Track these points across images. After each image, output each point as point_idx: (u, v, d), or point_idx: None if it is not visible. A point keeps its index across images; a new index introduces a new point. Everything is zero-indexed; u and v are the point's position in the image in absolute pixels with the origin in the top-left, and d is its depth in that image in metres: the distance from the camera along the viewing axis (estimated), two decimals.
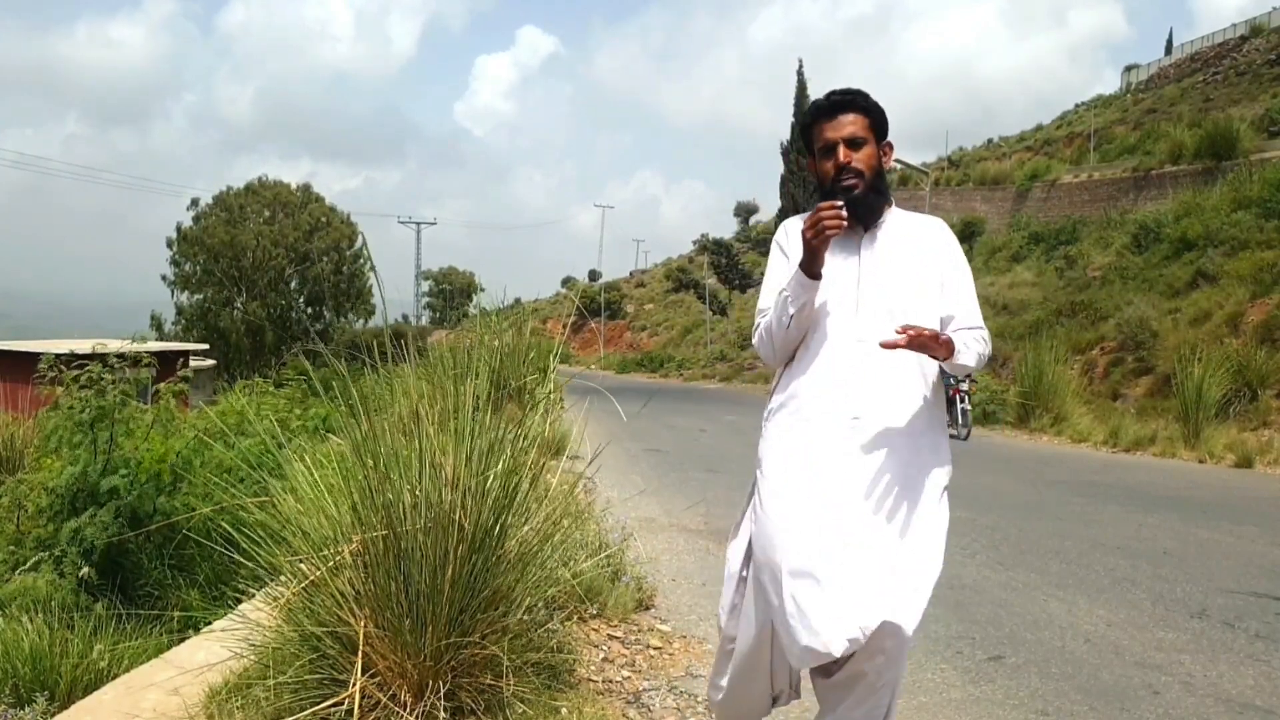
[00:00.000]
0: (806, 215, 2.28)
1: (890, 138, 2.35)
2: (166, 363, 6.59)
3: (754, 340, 2.40)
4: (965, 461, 10.42)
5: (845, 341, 2.21)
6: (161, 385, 6.07)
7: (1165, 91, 38.48)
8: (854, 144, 2.24)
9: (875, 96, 2.34)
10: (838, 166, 2.23)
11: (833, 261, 2.18)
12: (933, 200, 27.32)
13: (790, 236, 2.35)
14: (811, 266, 2.14)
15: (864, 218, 2.24)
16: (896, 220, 2.32)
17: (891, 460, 2.15)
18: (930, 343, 2.06)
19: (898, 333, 2.05)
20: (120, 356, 5.76)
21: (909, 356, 2.17)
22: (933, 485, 2.20)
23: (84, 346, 6.45)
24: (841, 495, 2.13)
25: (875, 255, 2.27)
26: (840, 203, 2.09)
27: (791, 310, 2.20)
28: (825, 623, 2.03)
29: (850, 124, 2.25)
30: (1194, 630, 4.28)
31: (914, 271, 2.26)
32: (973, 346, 2.22)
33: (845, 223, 2.08)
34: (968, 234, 31.59)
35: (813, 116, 2.30)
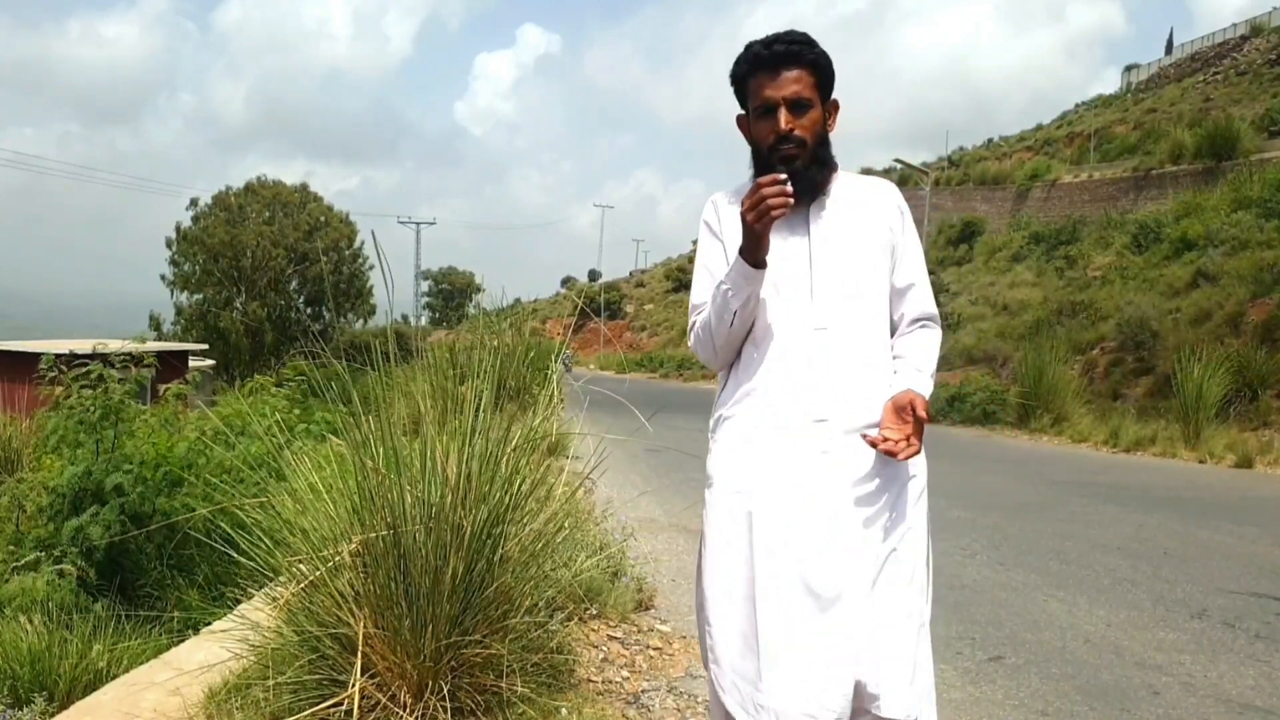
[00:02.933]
0: (738, 189, 2.02)
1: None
2: (167, 363, 6.58)
3: (689, 341, 2.08)
4: (966, 461, 10.43)
5: (801, 332, 1.91)
6: (164, 386, 6.07)
7: (1165, 91, 38.51)
8: (797, 106, 1.89)
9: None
10: (777, 133, 1.89)
11: (778, 241, 1.89)
12: (933, 200, 27.31)
13: (722, 215, 2.03)
14: (755, 253, 1.84)
15: (808, 192, 1.92)
16: (843, 186, 2.01)
17: (865, 470, 1.89)
18: (913, 431, 1.84)
19: (872, 443, 1.82)
20: (122, 356, 5.76)
21: (877, 342, 1.95)
22: (912, 493, 1.96)
23: (83, 347, 6.45)
24: (813, 526, 1.85)
25: (825, 229, 1.95)
26: (784, 176, 1.78)
27: (735, 305, 1.88)
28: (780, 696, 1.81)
29: (794, 82, 1.89)
30: (1194, 631, 4.27)
31: (869, 243, 1.97)
32: (926, 364, 1.97)
33: (792, 200, 1.78)
34: (968, 234, 31.64)
35: (749, 68, 1.94)
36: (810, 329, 1.91)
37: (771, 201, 1.76)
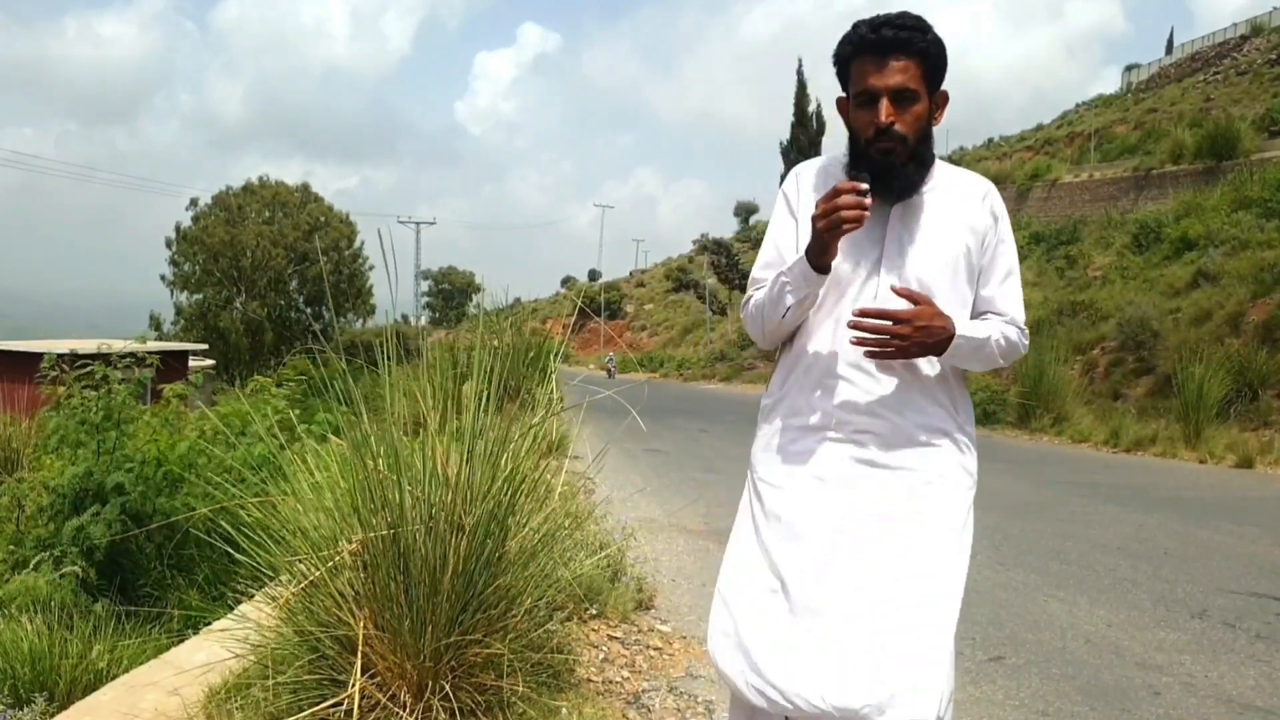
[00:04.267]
0: (828, 163, 1.93)
1: (947, 56, 1.82)
2: (167, 363, 6.58)
3: (743, 313, 1.99)
4: None
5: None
6: (164, 386, 6.06)
7: (1166, 91, 38.49)
8: (901, 97, 1.75)
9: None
10: (877, 126, 1.76)
11: (850, 239, 1.77)
12: None
13: (803, 193, 1.92)
14: (820, 258, 1.75)
15: (901, 192, 1.81)
16: (938, 183, 1.87)
17: (911, 479, 1.79)
18: (913, 335, 1.71)
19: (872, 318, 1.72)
20: (124, 356, 5.76)
21: (932, 359, 1.82)
22: (955, 506, 1.82)
23: (84, 347, 6.45)
24: (847, 523, 1.78)
25: (906, 229, 1.83)
26: (865, 185, 1.68)
27: (789, 302, 1.81)
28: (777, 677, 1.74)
29: (900, 71, 1.74)
30: (1195, 631, 4.27)
31: (947, 253, 1.84)
32: (983, 327, 1.83)
33: (867, 213, 1.68)
34: None
35: (854, 50, 1.80)
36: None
37: (846, 214, 1.67)
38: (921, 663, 1.70)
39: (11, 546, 5.29)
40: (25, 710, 3.41)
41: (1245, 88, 32.35)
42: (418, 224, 69.49)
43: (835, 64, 1.86)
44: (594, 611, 3.93)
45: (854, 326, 1.74)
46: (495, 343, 3.16)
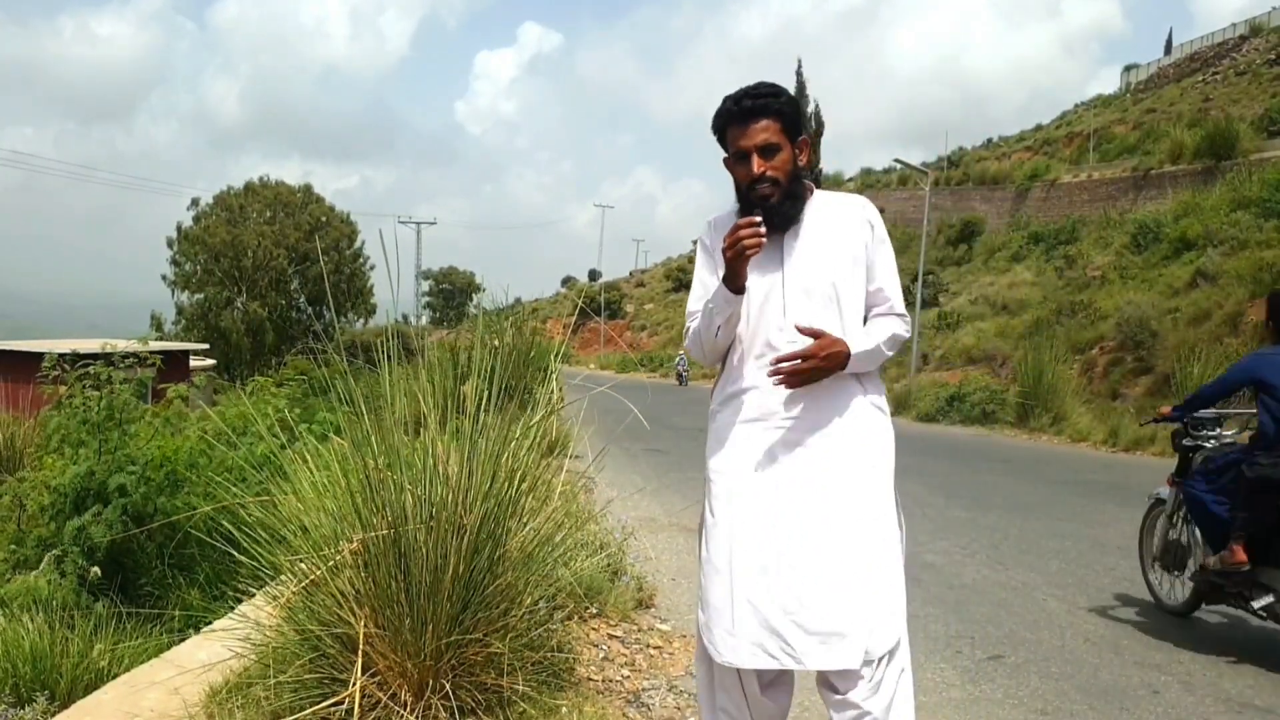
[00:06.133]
0: (729, 214, 2.30)
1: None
2: (167, 363, 6.58)
3: (685, 342, 2.40)
4: (966, 461, 10.43)
5: (775, 342, 2.19)
6: (165, 386, 6.07)
7: (1165, 91, 38.49)
8: (767, 151, 2.16)
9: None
10: (751, 177, 2.17)
11: (757, 264, 2.15)
12: (932, 200, 27.28)
13: (715, 236, 2.31)
14: (734, 281, 2.13)
15: (782, 225, 2.19)
16: (818, 209, 2.26)
17: (829, 459, 2.14)
18: (820, 364, 2.09)
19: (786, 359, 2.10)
20: (126, 356, 5.76)
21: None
22: (882, 473, 2.20)
23: (86, 347, 6.44)
24: (790, 497, 2.12)
25: (798, 252, 2.22)
26: (759, 219, 2.05)
27: (718, 321, 2.20)
28: (743, 635, 2.09)
29: (762, 131, 2.16)
30: (1193, 630, 4.28)
31: (838, 258, 2.22)
32: (873, 333, 2.21)
33: (764, 240, 2.05)
34: (968, 234, 31.62)
35: (724, 121, 2.22)
36: (784, 342, 2.16)
37: (746, 242, 2.04)
38: (887, 593, 2.11)
39: (13, 546, 5.29)
40: (27, 709, 3.42)
41: (1244, 88, 32.36)
42: (418, 224, 69.49)
43: (714, 132, 2.28)
44: (594, 610, 3.94)
45: (773, 373, 2.11)
46: (495, 343, 3.17)
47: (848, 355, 2.12)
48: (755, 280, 2.18)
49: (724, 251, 2.09)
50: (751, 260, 2.10)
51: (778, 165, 2.17)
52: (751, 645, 2.08)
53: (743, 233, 2.04)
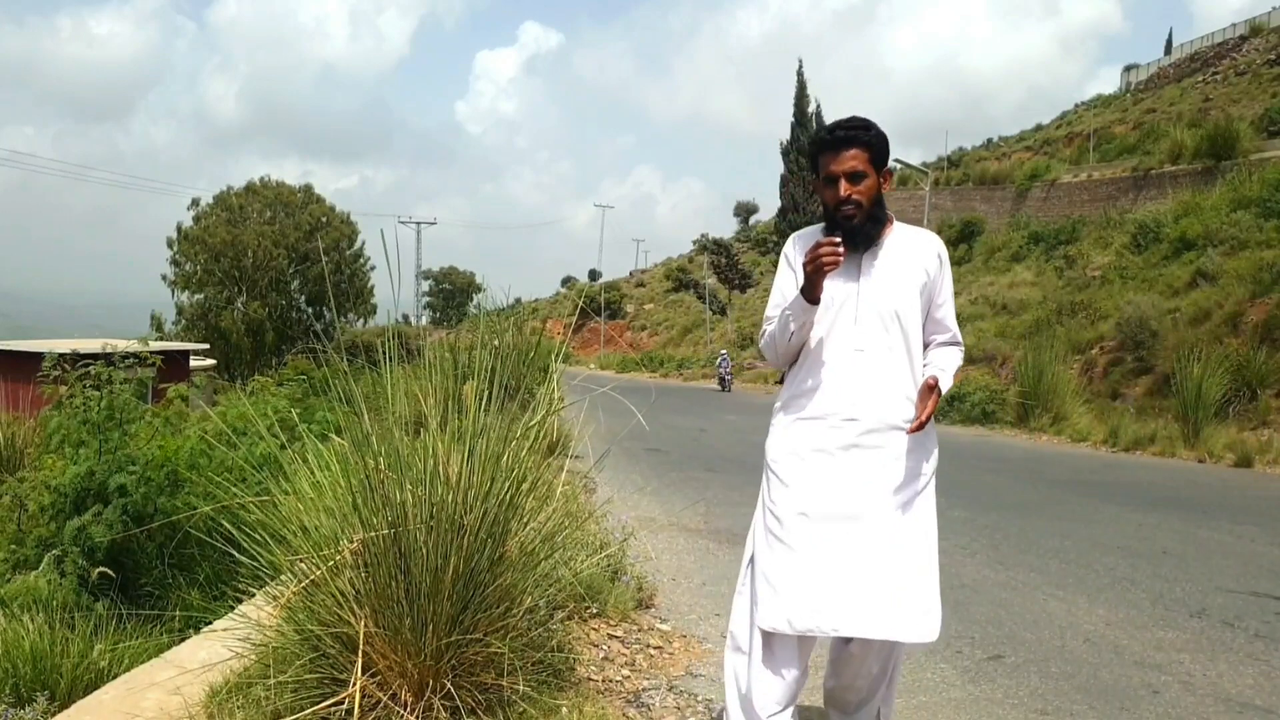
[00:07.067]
0: (813, 231, 2.58)
1: (888, 143, 2.51)
2: (169, 363, 6.58)
3: (760, 344, 2.66)
4: (966, 461, 10.43)
5: (845, 350, 2.45)
6: (165, 386, 6.06)
7: (1165, 91, 38.51)
8: (854, 177, 2.40)
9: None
10: (838, 199, 2.41)
11: (834, 279, 2.40)
12: (932, 200, 27.30)
13: (798, 250, 2.55)
14: (811, 293, 2.38)
15: (862, 244, 2.44)
16: (895, 237, 2.52)
17: (886, 455, 2.42)
18: (930, 409, 2.38)
19: (909, 432, 2.41)
20: (126, 356, 5.76)
21: (900, 363, 2.47)
22: (925, 475, 2.48)
23: (87, 347, 6.44)
24: (843, 488, 2.40)
25: (874, 272, 2.48)
26: (839, 239, 2.31)
27: (793, 327, 2.45)
28: (797, 600, 2.35)
29: (852, 159, 2.40)
30: (1193, 630, 4.28)
31: (907, 285, 2.49)
32: (949, 369, 2.53)
33: (841, 258, 2.29)
34: (968, 234, 31.62)
35: (818, 148, 2.47)
36: (851, 349, 2.45)
37: (825, 259, 2.29)
38: (927, 591, 2.38)
39: (13, 546, 5.29)
40: (27, 709, 3.42)
41: (1244, 88, 32.37)
42: (418, 224, 69.50)
43: (808, 157, 2.59)
44: (594, 610, 3.94)
45: (913, 431, 2.42)
46: (496, 342, 3.18)
47: (940, 395, 2.41)
48: (831, 292, 2.42)
49: (805, 265, 2.35)
50: (829, 274, 2.34)
51: (862, 191, 2.41)
52: (812, 612, 2.32)
53: (823, 250, 2.29)
